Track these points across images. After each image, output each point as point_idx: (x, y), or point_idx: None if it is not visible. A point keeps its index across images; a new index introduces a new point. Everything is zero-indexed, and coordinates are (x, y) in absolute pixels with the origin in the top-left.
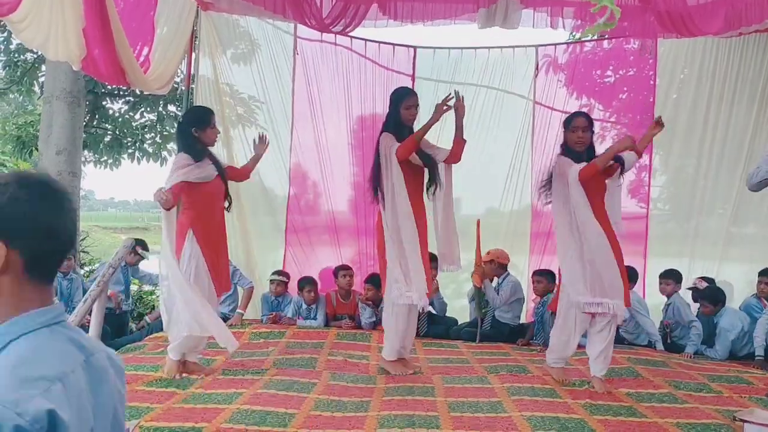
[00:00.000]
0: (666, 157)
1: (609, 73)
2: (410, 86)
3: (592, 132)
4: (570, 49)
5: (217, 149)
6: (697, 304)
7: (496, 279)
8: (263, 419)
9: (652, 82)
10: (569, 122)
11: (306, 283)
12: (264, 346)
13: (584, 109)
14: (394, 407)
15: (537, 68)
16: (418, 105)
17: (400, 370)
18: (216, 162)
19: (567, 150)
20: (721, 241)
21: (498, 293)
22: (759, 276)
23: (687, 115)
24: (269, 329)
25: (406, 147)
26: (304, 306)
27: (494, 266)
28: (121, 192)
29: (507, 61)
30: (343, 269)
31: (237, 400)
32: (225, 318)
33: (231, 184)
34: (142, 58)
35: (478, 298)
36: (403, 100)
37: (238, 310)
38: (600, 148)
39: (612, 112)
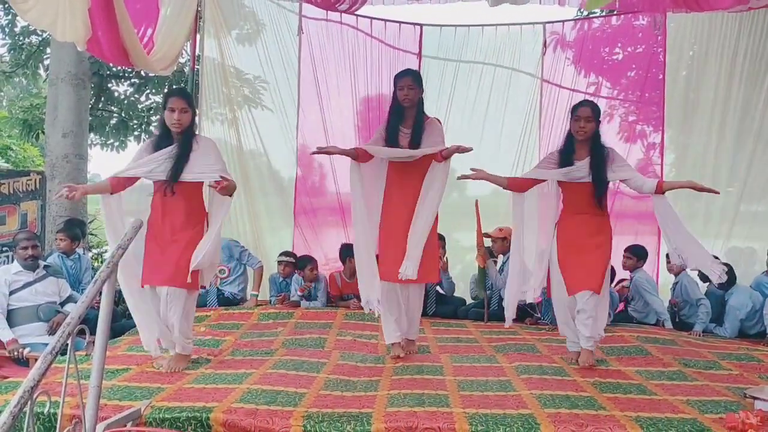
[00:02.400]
0: (675, 134)
1: (617, 50)
2: (416, 65)
3: (598, 122)
4: (578, 26)
5: (224, 131)
6: (707, 283)
7: (501, 257)
8: (273, 398)
9: (661, 59)
10: (575, 110)
11: (307, 261)
12: (273, 327)
13: (592, 87)
14: (403, 386)
15: (545, 46)
16: (411, 85)
17: (394, 352)
18: (182, 151)
19: (569, 138)
20: (730, 219)
21: (502, 272)
22: None
23: (696, 92)
24: (278, 310)
25: (360, 155)
26: (303, 283)
27: (507, 243)
28: None
29: (514, 39)
30: (349, 250)
31: (247, 380)
32: (234, 298)
33: (240, 162)
34: (145, 39)
35: (482, 278)
36: (395, 81)
37: (252, 292)
38: (607, 127)
39: (620, 90)
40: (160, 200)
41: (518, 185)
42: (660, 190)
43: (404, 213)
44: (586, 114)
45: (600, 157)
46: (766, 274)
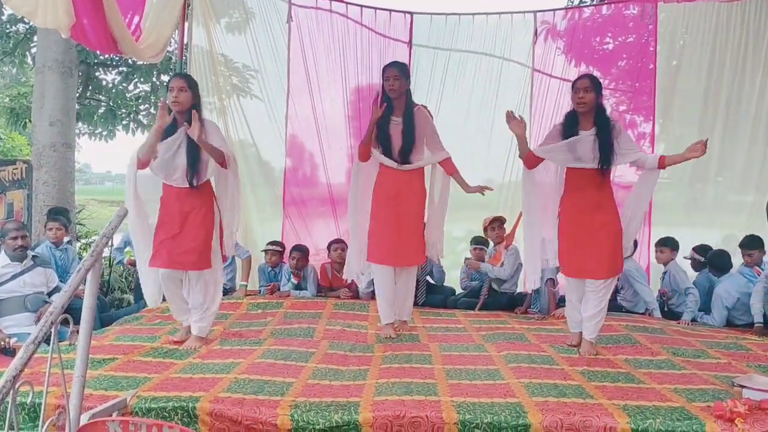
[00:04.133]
0: (666, 125)
1: (608, 39)
2: (407, 54)
3: (599, 94)
4: (569, 15)
5: (213, 120)
6: (696, 273)
7: (504, 251)
8: (261, 388)
9: (652, 49)
10: (574, 84)
11: (294, 249)
12: (262, 317)
13: None
14: (392, 375)
15: (535, 35)
16: (396, 76)
17: (385, 332)
18: (192, 147)
19: (571, 113)
20: (720, 209)
21: (502, 264)
22: (740, 248)
23: (687, 81)
24: (267, 300)
25: (361, 153)
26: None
27: (501, 230)
28: (118, 165)
29: (505, 28)
30: (336, 243)
31: (234, 370)
32: (223, 288)
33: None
34: (133, 27)
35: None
36: (382, 72)
37: (240, 282)
38: None
39: (611, 80)
40: (170, 187)
41: (530, 160)
42: (662, 165)
43: (397, 205)
44: (584, 85)
45: (606, 128)
46: (744, 264)
